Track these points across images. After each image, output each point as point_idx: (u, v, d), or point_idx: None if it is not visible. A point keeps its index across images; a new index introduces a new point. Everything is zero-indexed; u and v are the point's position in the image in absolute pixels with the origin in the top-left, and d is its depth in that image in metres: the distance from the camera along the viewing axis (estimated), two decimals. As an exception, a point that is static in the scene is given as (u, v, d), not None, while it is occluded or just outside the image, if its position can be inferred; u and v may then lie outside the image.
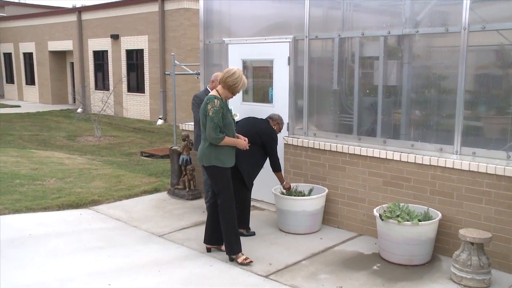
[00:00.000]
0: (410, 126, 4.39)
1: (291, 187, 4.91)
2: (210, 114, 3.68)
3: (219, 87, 3.79)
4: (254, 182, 4.59)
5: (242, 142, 3.82)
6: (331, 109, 4.98)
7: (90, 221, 5.09)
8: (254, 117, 4.74)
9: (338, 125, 4.94)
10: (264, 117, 4.83)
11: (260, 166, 4.52)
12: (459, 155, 4.05)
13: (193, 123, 5.53)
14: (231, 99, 3.94)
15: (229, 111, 3.89)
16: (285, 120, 5.25)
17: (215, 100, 3.69)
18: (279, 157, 4.62)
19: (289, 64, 5.21)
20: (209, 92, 4.81)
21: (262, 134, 4.41)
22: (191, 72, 7.02)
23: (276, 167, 4.51)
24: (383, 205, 4.24)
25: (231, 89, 3.70)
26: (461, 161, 3.95)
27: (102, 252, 4.18)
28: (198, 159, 3.86)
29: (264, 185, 5.49)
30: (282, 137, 5.24)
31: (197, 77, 6.23)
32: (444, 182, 4.07)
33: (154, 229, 4.90)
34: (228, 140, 3.71)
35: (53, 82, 21.98)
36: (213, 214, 4.04)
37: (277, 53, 5.29)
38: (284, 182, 4.70)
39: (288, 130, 5.32)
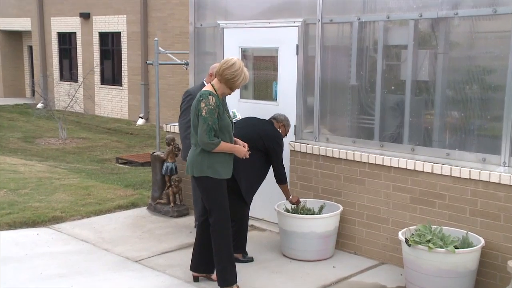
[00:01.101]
0: (445, 131, 4.43)
1: (300, 202, 4.98)
2: (203, 114, 3.70)
3: (214, 81, 3.81)
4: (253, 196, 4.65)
5: (242, 148, 3.85)
6: (348, 109, 5.02)
7: (49, 243, 5.08)
8: (255, 118, 4.78)
9: (356, 129, 4.99)
10: (267, 118, 4.87)
11: (262, 177, 4.59)
12: (508, 167, 4.04)
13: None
14: (229, 96, 3.99)
15: (227, 110, 3.95)
16: (292, 122, 5.28)
17: (210, 97, 3.71)
18: (284, 166, 4.66)
19: (297, 53, 5.25)
20: (205, 85, 4.89)
21: (265, 138, 4.45)
22: (179, 61, 7.10)
23: (281, 179, 4.57)
24: (411, 227, 4.24)
25: (229, 84, 3.72)
26: (510, 175, 3.91)
27: (63, 281, 4.14)
28: (187, 168, 3.90)
29: (266, 200, 5.56)
30: (288, 142, 5.27)
31: (186, 68, 6.34)
32: (488, 200, 4.04)
33: (130, 253, 4.93)
34: (224, 146, 3.72)
35: (6, 70, 21.54)
36: (203, 235, 4.08)
37: (283, 40, 5.34)
38: (291, 196, 4.75)
39: (295, 134, 5.38)
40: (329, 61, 5.12)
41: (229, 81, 3.73)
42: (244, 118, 4.79)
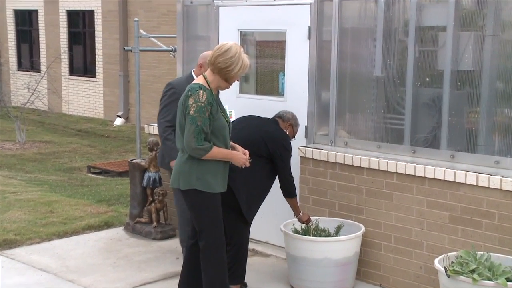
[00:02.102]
0: (494, 134, 4.47)
1: (311, 220, 4.92)
2: (191, 112, 3.73)
3: (207, 72, 3.87)
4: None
5: (240, 155, 3.91)
6: (371, 106, 5.09)
7: (-1, 274, 5.04)
8: (255, 116, 4.86)
9: (382, 131, 5.06)
10: (271, 116, 4.95)
11: (267, 190, 4.65)
12: None
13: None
14: (225, 90, 4.09)
15: (221, 108, 3.99)
16: (302, 122, 5.35)
17: (200, 92, 3.75)
18: (293, 176, 4.72)
19: (309, 37, 5.34)
20: (193, 78, 4.99)
21: (270, 141, 4.52)
22: (165, 47, 7.23)
23: (289, 191, 4.65)
24: (450, 254, 4.22)
25: (224, 74, 3.78)
26: None
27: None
28: (172, 180, 3.95)
29: (270, 219, 5.60)
30: (298, 147, 5.35)
31: (173, 56, 6.50)
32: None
33: (101, 285, 4.92)
34: (217, 152, 3.78)
35: None
36: (192, 261, 4.10)
37: (292, 21, 5.41)
38: (301, 213, 4.81)
39: (306, 137, 5.47)
40: (349, 47, 5.20)
41: (223, 70, 3.77)
42: (243, 117, 4.85)
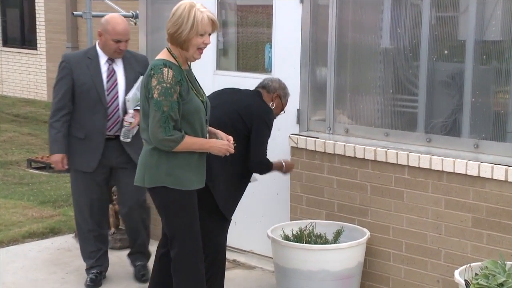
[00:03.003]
0: (527, 118, 4.49)
1: (306, 228, 4.96)
2: (155, 96, 3.74)
3: (170, 44, 3.93)
4: (234, 214, 4.71)
5: (220, 143, 3.97)
6: (377, 85, 5.11)
7: None
8: (234, 89, 4.93)
9: (391, 115, 5.09)
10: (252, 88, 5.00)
11: (247, 180, 4.72)
12: None
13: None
14: (199, 66, 4.26)
15: (195, 87, 4.00)
16: (293, 104, 5.39)
17: (165, 70, 3.75)
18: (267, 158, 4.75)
19: (302, 2, 5.39)
20: (96, 51, 5.16)
21: (248, 116, 4.57)
22: (123, 12, 7.12)
23: (262, 168, 4.69)
24: (474, 264, 4.22)
25: (177, 42, 3.81)
26: None
27: None
28: (137, 176, 3.98)
29: (255, 223, 5.60)
30: (288, 135, 5.38)
31: (134, 23, 6.48)
32: None
33: (46, 306, 4.92)
34: (191, 143, 3.83)
35: None
36: (162, 275, 4.11)
37: None
38: (284, 166, 4.88)
39: (298, 123, 5.51)
40: (350, 13, 5.23)
41: (174, 37, 3.79)
42: (217, 91, 4.89)
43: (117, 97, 5.12)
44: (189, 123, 3.81)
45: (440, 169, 4.67)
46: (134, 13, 6.61)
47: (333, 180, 5.23)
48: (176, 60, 3.82)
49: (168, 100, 3.68)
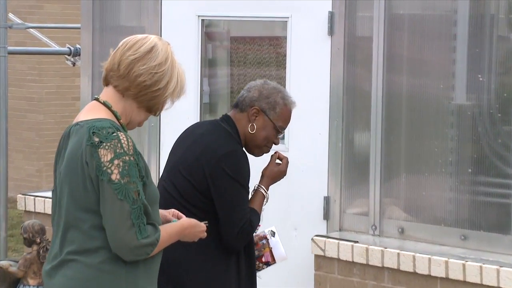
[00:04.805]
0: None
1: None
2: (115, 178, 3.08)
3: (108, 94, 3.19)
4: None
5: (196, 227, 3.36)
6: (448, 161, 4.70)
7: None
8: (202, 123, 4.37)
9: (470, 208, 4.68)
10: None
11: (225, 268, 3.89)
12: None
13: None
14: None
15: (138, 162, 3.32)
16: (320, 189, 4.98)
17: (122, 136, 3.11)
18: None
19: (331, 32, 4.99)
20: None
21: (201, 172, 3.77)
22: (56, 47, 6.86)
23: (245, 239, 3.83)
24: None
25: (148, 98, 3.19)
26: None
27: None
28: None
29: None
30: (311, 237, 4.93)
31: (72, 63, 6.22)
32: None
33: None
34: (168, 237, 3.24)
35: None
36: None
37: (298, 2, 5.18)
38: (266, 196, 3.93)
39: (326, 218, 5.04)
40: (404, 51, 4.85)
41: (147, 90, 3.11)
42: (184, 132, 4.11)
43: None
44: (151, 212, 3.20)
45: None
46: (72, 48, 6.24)
47: (382, 308, 4.95)
48: (120, 122, 3.15)
49: (135, 182, 3.07)
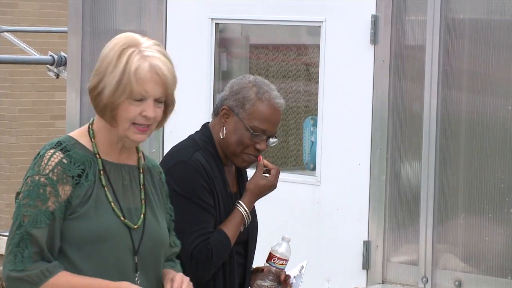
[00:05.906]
0: None
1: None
2: (20, 196, 2.86)
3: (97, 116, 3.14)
4: None
5: None
6: None
7: None
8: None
9: None
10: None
11: None
12: None
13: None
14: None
15: (120, 195, 2.91)
16: (359, 232, 4.81)
17: (47, 155, 2.84)
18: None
19: (375, 40, 4.92)
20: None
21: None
22: (37, 55, 6.83)
23: (205, 264, 3.55)
24: None
25: (99, 109, 2.88)
26: None
27: None
28: None
29: None
30: None
31: (55, 74, 6.10)
32: None
33: None
34: (66, 284, 2.78)
35: None
36: None
37: (333, 5, 5.06)
38: (247, 215, 3.55)
39: (366, 267, 4.86)
40: (465, 62, 4.64)
41: (92, 98, 2.80)
42: None
43: None
44: (89, 256, 2.79)
45: None
46: (56, 57, 6.07)
47: None
48: (93, 141, 2.81)
49: (33, 206, 2.76)
